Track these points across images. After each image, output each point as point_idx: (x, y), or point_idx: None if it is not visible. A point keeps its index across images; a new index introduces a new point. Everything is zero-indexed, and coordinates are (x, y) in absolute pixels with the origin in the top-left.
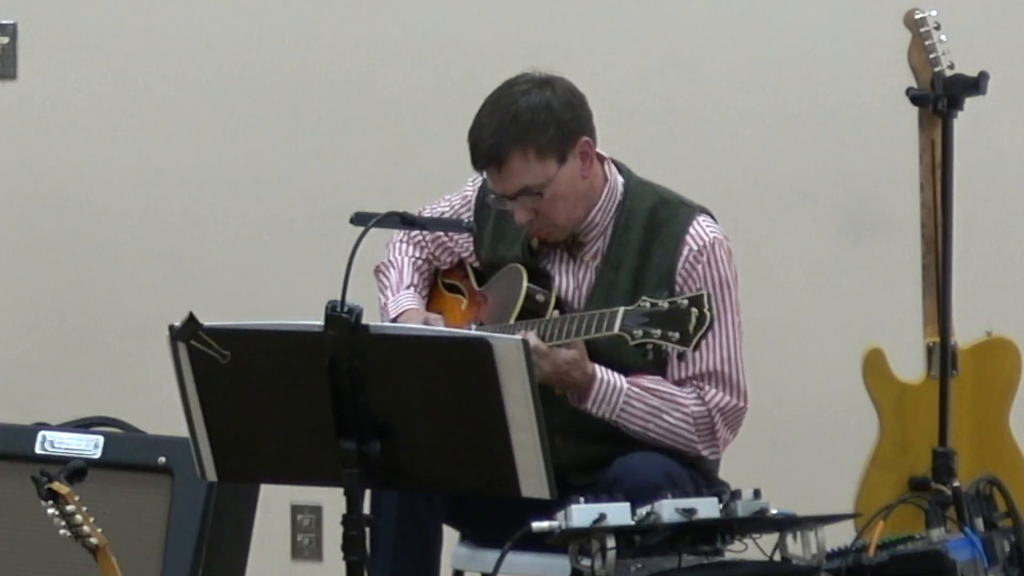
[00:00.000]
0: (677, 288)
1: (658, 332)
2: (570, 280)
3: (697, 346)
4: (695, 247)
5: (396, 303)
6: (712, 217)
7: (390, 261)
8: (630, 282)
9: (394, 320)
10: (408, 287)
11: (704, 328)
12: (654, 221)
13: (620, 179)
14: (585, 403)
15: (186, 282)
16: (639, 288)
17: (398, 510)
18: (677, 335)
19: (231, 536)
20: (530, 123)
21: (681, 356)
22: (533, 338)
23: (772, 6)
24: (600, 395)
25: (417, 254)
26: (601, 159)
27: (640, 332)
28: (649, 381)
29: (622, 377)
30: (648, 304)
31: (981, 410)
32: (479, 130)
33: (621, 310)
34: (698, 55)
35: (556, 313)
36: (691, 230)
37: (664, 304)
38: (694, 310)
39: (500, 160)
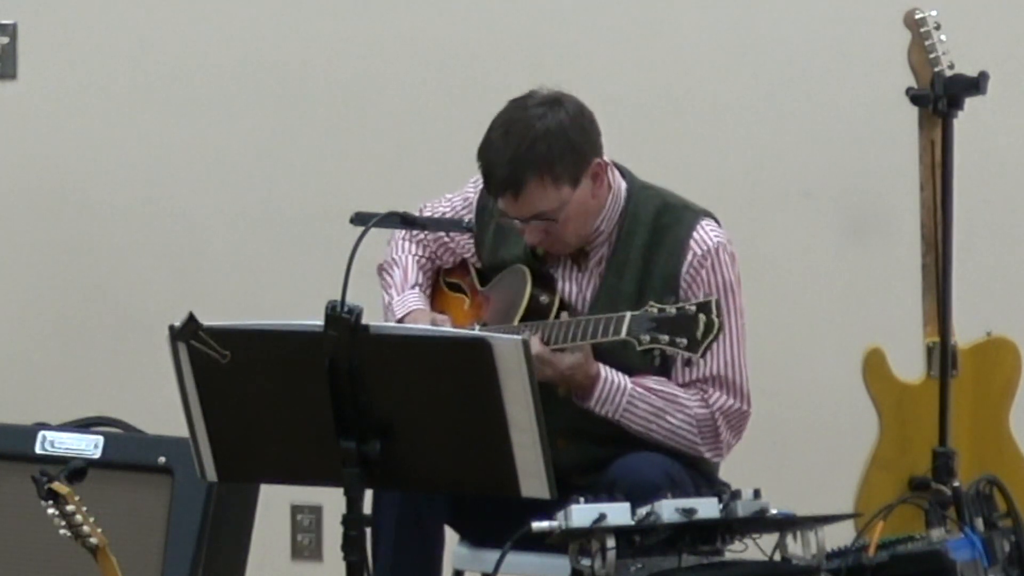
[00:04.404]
0: (682, 293)
1: (666, 338)
2: (574, 286)
3: (705, 353)
4: (699, 252)
5: (403, 303)
6: (716, 221)
7: (394, 259)
8: (634, 287)
9: (401, 320)
10: (413, 286)
11: (712, 335)
12: (658, 226)
13: (623, 184)
14: (588, 401)
15: (186, 282)
16: (643, 293)
17: (400, 511)
18: (685, 341)
19: (231, 536)
20: (547, 151)
21: (688, 362)
22: (537, 343)
23: (772, 6)
24: (604, 394)
25: (420, 252)
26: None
27: (647, 338)
28: (653, 382)
29: (626, 377)
30: (655, 309)
31: (981, 410)
32: (494, 155)
33: (628, 315)
34: (698, 55)
35: (564, 315)
36: (695, 235)
37: (672, 310)
38: (702, 316)
39: (517, 188)
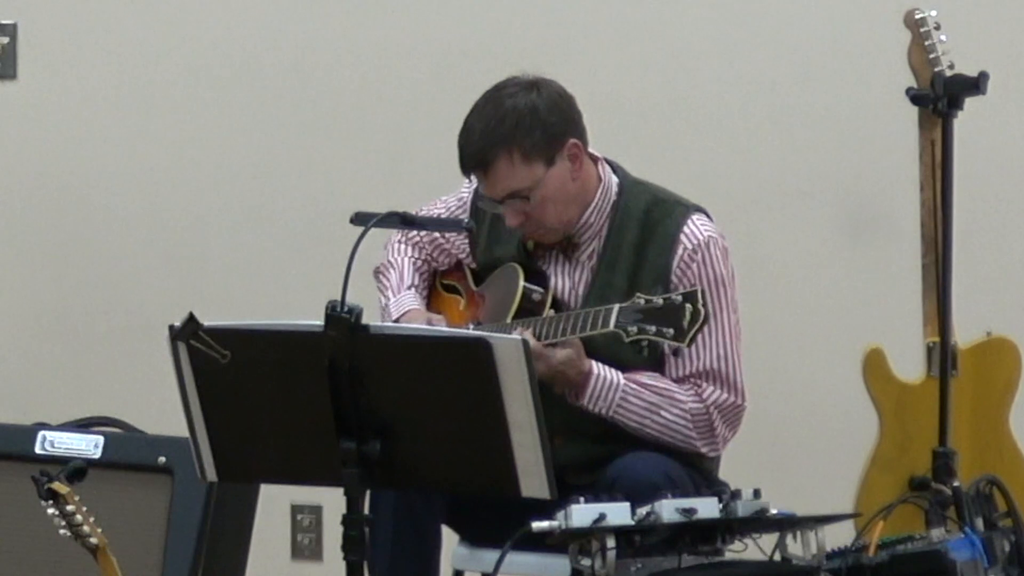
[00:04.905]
0: (673, 287)
1: (653, 328)
2: (566, 281)
3: (692, 341)
4: (690, 246)
5: (398, 304)
6: (708, 216)
7: (390, 262)
8: (626, 282)
9: (397, 321)
10: (409, 288)
11: (698, 324)
12: (649, 221)
13: (614, 179)
14: (582, 399)
15: (186, 282)
16: (635, 288)
17: (396, 510)
18: (672, 331)
19: (231, 536)
20: (515, 127)
21: (676, 352)
22: (529, 338)
23: (772, 6)
24: (596, 391)
25: (416, 255)
26: (595, 159)
27: (635, 329)
28: (647, 377)
29: (619, 373)
30: (642, 301)
31: (981, 410)
32: (466, 134)
33: (616, 307)
34: (698, 55)
35: (552, 312)
36: (685, 229)
37: (658, 300)
38: (688, 306)
39: (486, 164)
